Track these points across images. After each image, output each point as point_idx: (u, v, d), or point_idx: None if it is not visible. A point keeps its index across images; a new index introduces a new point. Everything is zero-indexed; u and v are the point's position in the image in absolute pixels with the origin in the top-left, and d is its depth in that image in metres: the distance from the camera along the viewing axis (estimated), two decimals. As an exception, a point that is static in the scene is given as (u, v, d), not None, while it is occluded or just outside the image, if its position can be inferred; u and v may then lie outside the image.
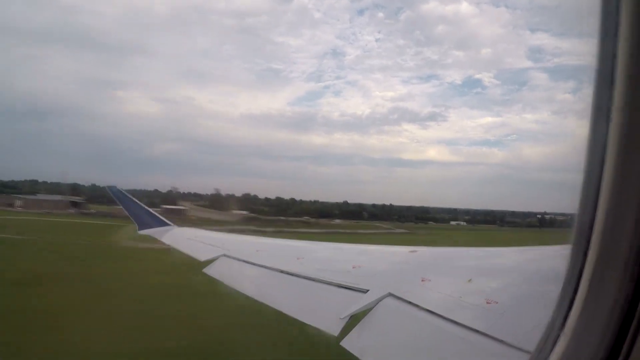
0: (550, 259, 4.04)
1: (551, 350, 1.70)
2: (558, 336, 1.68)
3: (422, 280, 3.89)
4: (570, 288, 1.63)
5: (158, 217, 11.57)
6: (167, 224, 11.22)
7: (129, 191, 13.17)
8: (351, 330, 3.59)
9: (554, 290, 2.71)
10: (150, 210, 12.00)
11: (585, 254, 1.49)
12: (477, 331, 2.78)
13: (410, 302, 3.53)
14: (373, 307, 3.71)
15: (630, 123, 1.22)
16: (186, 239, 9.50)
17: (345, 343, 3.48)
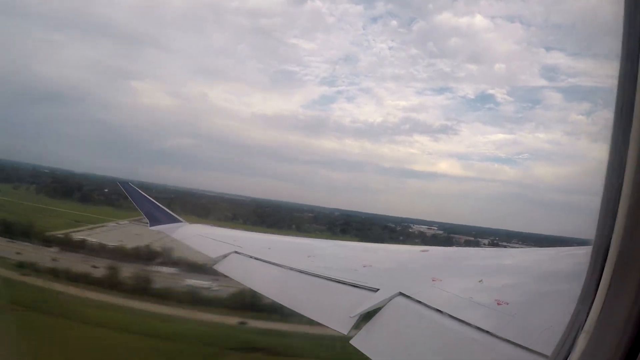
0: (562, 260, 4.06)
1: (570, 349, 1.72)
2: (577, 336, 1.70)
3: (433, 280, 3.89)
4: (590, 288, 1.64)
5: (169, 213, 11.57)
6: (178, 220, 11.22)
7: (138, 184, 13.18)
8: (361, 328, 3.58)
9: (565, 292, 2.72)
10: (162, 206, 11.97)
11: (605, 254, 1.50)
12: (487, 332, 2.78)
13: (420, 302, 3.52)
14: (383, 306, 3.68)
15: None
16: (197, 236, 9.49)
17: (355, 341, 3.48)
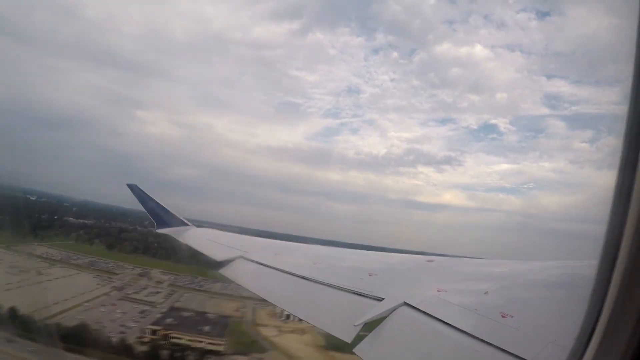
0: (568, 272, 4.05)
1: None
2: (585, 349, 1.72)
3: (438, 291, 3.87)
4: (596, 303, 1.65)
5: (177, 216, 11.62)
6: (185, 224, 11.27)
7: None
8: (365, 338, 3.59)
9: (570, 305, 2.77)
10: (169, 209, 12.04)
11: (612, 266, 1.52)
12: (491, 345, 2.77)
13: (425, 312, 3.49)
14: (387, 316, 3.68)
15: None
16: (204, 239, 9.51)
17: (358, 350, 3.49)
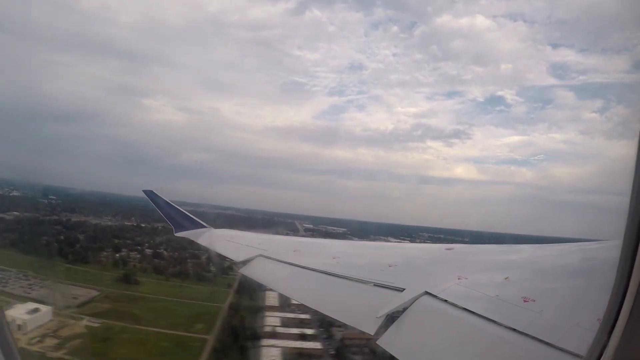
0: (588, 255, 4.02)
1: (604, 347, 1.75)
2: (611, 333, 1.71)
3: (459, 278, 3.88)
4: (621, 285, 1.65)
5: (194, 219, 11.69)
6: (203, 226, 11.33)
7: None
8: (388, 329, 3.60)
9: (592, 288, 2.88)
10: (186, 212, 12.13)
11: (635, 249, 1.53)
12: (514, 330, 2.78)
13: (446, 301, 3.51)
14: (409, 306, 3.68)
15: None
16: (222, 240, 9.57)
17: (382, 342, 3.50)
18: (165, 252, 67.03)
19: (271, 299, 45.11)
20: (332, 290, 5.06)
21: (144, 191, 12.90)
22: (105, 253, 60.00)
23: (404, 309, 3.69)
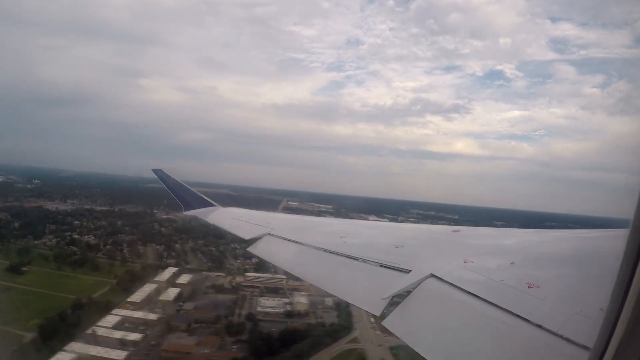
0: (595, 243, 4.00)
1: (609, 337, 1.74)
2: (615, 324, 1.70)
3: (465, 262, 3.88)
4: (625, 274, 1.64)
5: (203, 197, 11.75)
6: (211, 204, 11.39)
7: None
8: (393, 310, 3.64)
9: (596, 276, 2.88)
10: (195, 191, 12.18)
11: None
12: (517, 316, 2.79)
13: (451, 284, 3.52)
14: (415, 288, 3.71)
15: None
16: (231, 218, 9.67)
17: (387, 323, 3.54)
18: (92, 239, 67.87)
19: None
20: (339, 270, 5.09)
21: (153, 170, 12.95)
22: (23, 240, 61.62)
23: (410, 291, 3.70)
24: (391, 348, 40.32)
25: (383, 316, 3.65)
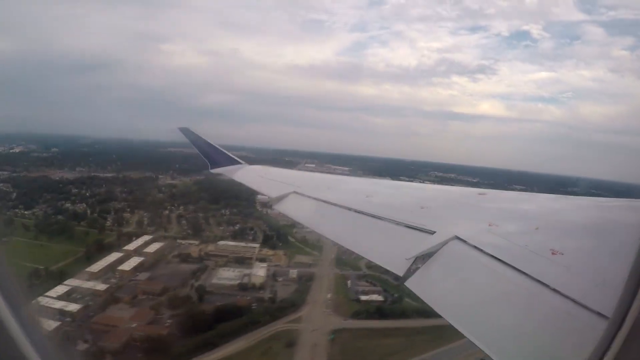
0: (622, 212, 4.08)
1: (626, 312, 1.75)
2: (634, 298, 1.71)
3: (489, 225, 3.88)
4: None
5: (229, 155, 11.79)
6: (238, 162, 11.36)
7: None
8: (416, 270, 3.65)
9: (621, 246, 2.77)
10: (221, 149, 12.18)
11: None
12: (540, 282, 2.76)
13: (475, 247, 3.52)
14: (439, 250, 3.70)
15: None
16: (257, 177, 9.65)
17: (410, 284, 3.55)
18: (83, 207, 66.60)
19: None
20: (364, 230, 5.10)
21: (180, 129, 12.94)
22: (15, 211, 60.73)
23: (434, 252, 3.71)
24: (330, 332, 39.19)
25: (406, 277, 3.66)
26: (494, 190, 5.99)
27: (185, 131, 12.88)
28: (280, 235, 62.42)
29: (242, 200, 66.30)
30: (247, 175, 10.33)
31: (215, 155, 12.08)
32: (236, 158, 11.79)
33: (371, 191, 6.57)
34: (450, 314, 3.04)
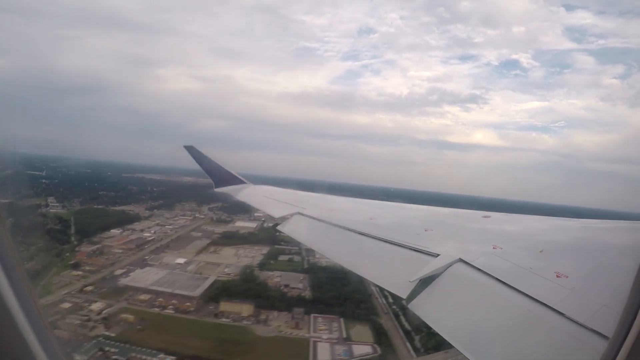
0: (624, 234, 3.95)
1: (628, 330, 1.77)
2: (635, 318, 1.73)
3: (494, 247, 3.87)
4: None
5: (234, 174, 11.87)
6: (242, 182, 11.48)
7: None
8: (420, 293, 3.63)
9: (625, 268, 2.80)
10: (226, 168, 12.28)
11: None
12: (544, 304, 2.78)
13: (479, 270, 3.51)
14: (443, 272, 3.69)
15: None
16: (261, 197, 9.71)
17: (413, 306, 3.54)
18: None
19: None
20: (368, 252, 5.09)
21: (185, 147, 13.08)
22: None
23: (438, 275, 3.69)
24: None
25: (409, 299, 3.63)
26: (498, 212, 5.87)
27: (190, 149, 12.98)
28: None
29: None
30: (251, 195, 10.41)
31: (219, 174, 12.13)
32: (241, 177, 11.86)
33: (376, 213, 6.56)
34: (453, 337, 3.05)
